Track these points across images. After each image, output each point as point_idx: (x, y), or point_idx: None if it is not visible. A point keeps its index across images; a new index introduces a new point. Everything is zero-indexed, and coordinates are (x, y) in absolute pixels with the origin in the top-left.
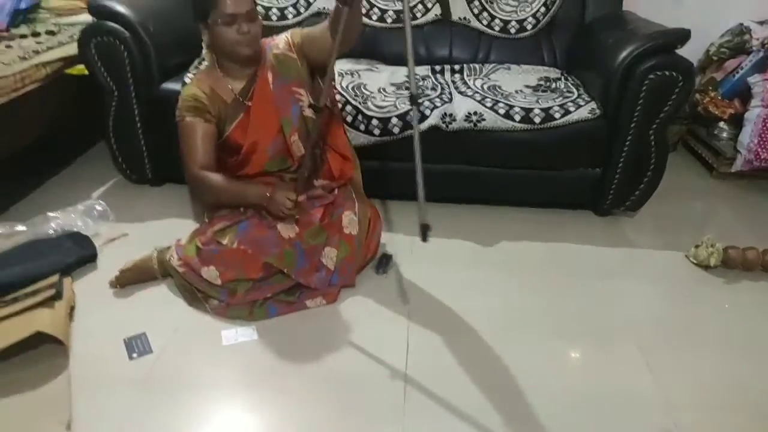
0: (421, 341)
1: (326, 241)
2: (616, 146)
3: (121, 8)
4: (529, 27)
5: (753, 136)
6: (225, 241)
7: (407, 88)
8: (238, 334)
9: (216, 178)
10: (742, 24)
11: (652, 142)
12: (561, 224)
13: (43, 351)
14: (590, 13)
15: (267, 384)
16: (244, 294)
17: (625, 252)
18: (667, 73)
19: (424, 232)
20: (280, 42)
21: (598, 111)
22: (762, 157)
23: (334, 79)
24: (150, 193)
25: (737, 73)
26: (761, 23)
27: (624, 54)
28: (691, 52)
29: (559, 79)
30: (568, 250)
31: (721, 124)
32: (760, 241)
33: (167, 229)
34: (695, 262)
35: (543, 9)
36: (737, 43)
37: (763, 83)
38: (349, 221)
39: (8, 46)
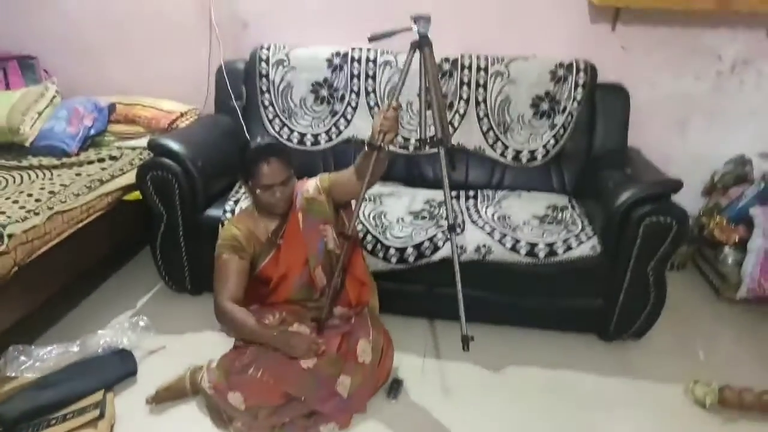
0: None
1: (341, 369)
2: (616, 281)
3: (175, 146)
4: (539, 157)
5: (756, 266)
6: (251, 371)
7: (424, 217)
8: None
9: (241, 315)
10: (743, 155)
11: (651, 279)
12: (567, 349)
13: None
14: (597, 146)
15: None
16: (265, 418)
17: (627, 382)
18: (662, 218)
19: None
20: (310, 187)
21: (598, 248)
22: (765, 287)
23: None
24: (188, 303)
25: (741, 200)
26: (763, 156)
27: (622, 199)
28: (697, 176)
29: (567, 207)
30: (571, 377)
31: (727, 249)
32: (764, 374)
33: (201, 342)
34: (693, 399)
35: (552, 141)
36: (739, 173)
37: (764, 215)
38: (363, 350)
39: (78, 174)
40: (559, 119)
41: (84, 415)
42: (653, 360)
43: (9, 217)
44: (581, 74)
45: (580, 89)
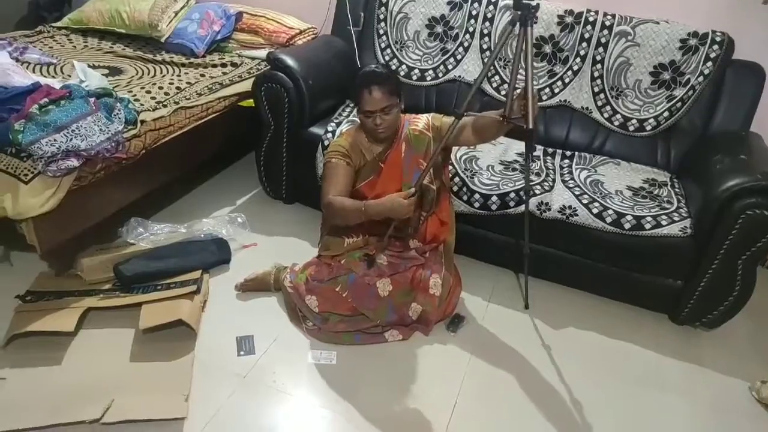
0: (467, 402)
1: (414, 298)
2: (702, 267)
3: (291, 62)
4: (648, 128)
5: None
6: (338, 288)
7: (514, 169)
8: (321, 356)
9: (347, 201)
10: None
11: (739, 272)
12: (634, 323)
13: (178, 332)
14: (715, 126)
15: (332, 407)
16: (335, 324)
17: (689, 368)
18: (766, 213)
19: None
20: (420, 122)
21: (689, 230)
22: None
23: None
24: (281, 209)
25: None
26: None
27: (727, 185)
28: None
29: (666, 184)
30: (631, 350)
31: None
32: None
33: (288, 245)
34: (757, 398)
35: (666, 114)
36: None
37: None
38: (434, 284)
39: (202, 75)
40: (679, 92)
41: (184, 287)
42: (721, 353)
43: (142, 104)
44: (715, 47)
45: (710, 63)
